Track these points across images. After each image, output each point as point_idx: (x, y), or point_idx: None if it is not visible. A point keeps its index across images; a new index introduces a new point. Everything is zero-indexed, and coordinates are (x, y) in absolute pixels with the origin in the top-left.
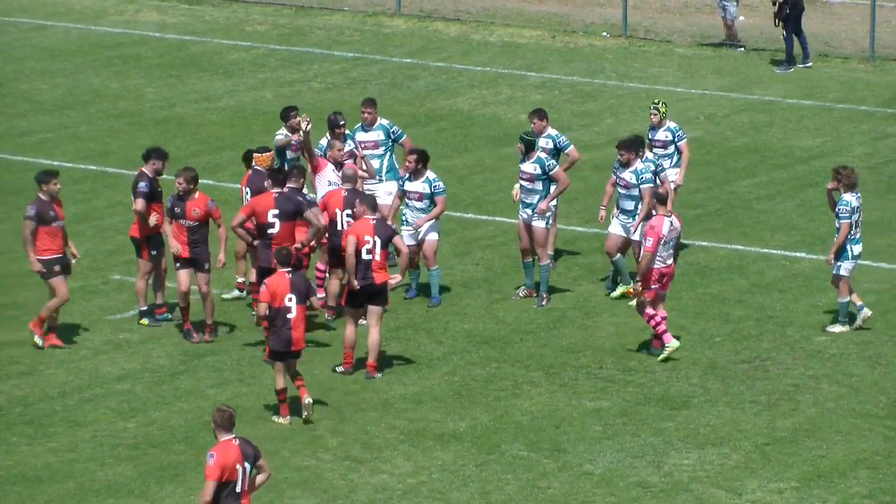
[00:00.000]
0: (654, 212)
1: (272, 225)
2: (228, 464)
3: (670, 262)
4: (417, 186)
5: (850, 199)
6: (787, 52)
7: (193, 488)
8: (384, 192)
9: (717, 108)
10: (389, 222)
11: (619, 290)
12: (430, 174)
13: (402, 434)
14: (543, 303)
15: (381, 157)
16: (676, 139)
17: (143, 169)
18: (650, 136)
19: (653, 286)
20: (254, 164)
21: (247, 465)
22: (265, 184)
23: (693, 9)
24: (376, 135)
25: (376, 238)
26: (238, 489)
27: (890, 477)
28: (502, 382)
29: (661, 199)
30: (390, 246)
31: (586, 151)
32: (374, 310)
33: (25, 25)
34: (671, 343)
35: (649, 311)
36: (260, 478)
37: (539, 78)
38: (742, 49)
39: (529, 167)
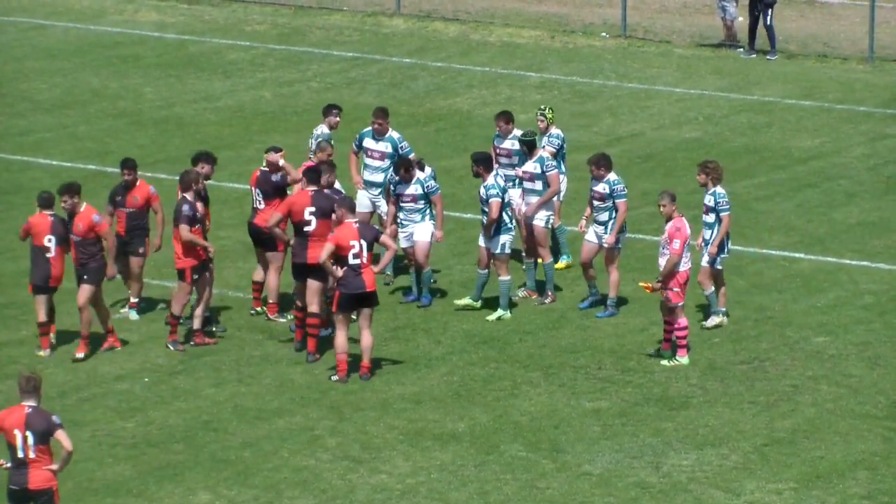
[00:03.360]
0: (673, 214)
1: (308, 222)
2: (5, 425)
3: (689, 264)
4: (410, 189)
5: (724, 191)
6: (770, 39)
7: (192, 488)
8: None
9: (715, 108)
10: (388, 230)
11: (464, 300)
12: (419, 175)
13: (400, 434)
14: (547, 300)
15: (385, 169)
16: (548, 144)
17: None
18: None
19: (675, 289)
20: (264, 164)
21: (29, 434)
22: (272, 179)
23: (692, 9)
24: (384, 146)
25: (362, 241)
26: (20, 455)
27: (889, 478)
28: (501, 383)
29: (673, 200)
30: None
31: (585, 152)
32: (365, 312)
33: (24, 25)
34: (684, 359)
35: (685, 319)
36: (63, 453)
37: (538, 78)
38: (741, 49)
39: (531, 166)
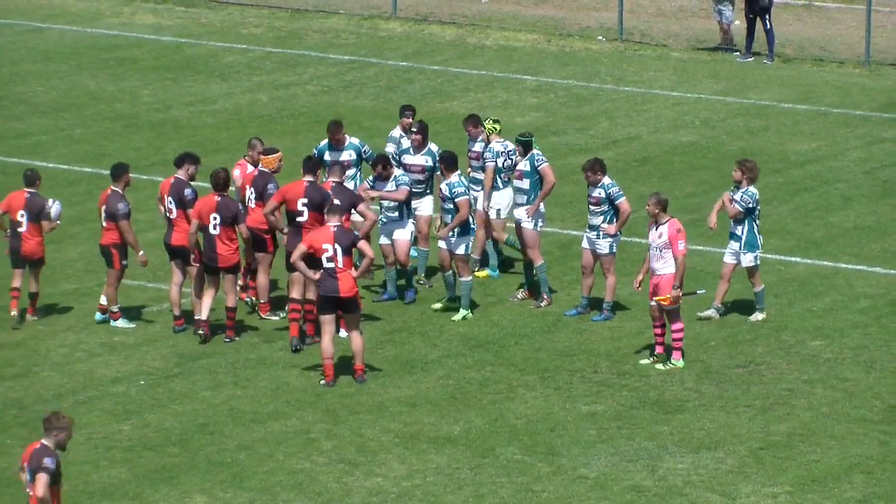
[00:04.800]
0: (659, 216)
1: (301, 213)
2: (22, 462)
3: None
4: (388, 186)
5: (755, 190)
6: (769, 43)
7: (188, 490)
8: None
9: (712, 112)
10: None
11: (440, 304)
12: (396, 171)
13: (396, 437)
14: (542, 303)
15: (353, 177)
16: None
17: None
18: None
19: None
20: (260, 165)
21: (27, 469)
22: (268, 184)
23: (689, 13)
24: (348, 154)
25: (336, 246)
26: (27, 491)
27: (884, 482)
28: (497, 386)
29: (664, 205)
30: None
31: (581, 155)
32: (348, 318)
33: (21, 28)
34: (680, 362)
35: (681, 322)
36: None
37: (535, 81)
38: (737, 53)
39: (522, 164)
